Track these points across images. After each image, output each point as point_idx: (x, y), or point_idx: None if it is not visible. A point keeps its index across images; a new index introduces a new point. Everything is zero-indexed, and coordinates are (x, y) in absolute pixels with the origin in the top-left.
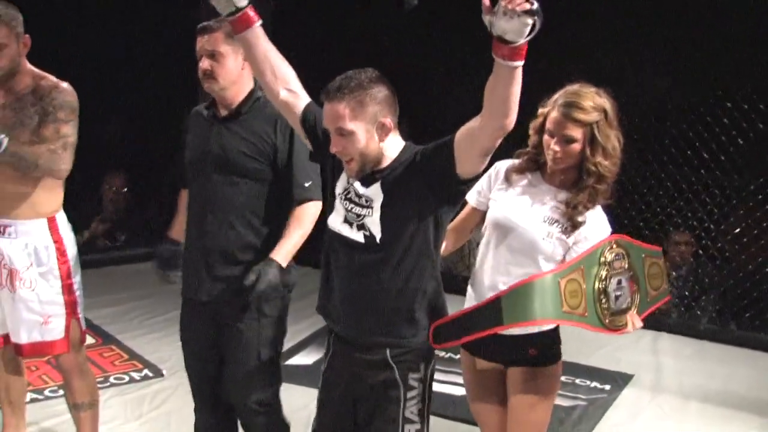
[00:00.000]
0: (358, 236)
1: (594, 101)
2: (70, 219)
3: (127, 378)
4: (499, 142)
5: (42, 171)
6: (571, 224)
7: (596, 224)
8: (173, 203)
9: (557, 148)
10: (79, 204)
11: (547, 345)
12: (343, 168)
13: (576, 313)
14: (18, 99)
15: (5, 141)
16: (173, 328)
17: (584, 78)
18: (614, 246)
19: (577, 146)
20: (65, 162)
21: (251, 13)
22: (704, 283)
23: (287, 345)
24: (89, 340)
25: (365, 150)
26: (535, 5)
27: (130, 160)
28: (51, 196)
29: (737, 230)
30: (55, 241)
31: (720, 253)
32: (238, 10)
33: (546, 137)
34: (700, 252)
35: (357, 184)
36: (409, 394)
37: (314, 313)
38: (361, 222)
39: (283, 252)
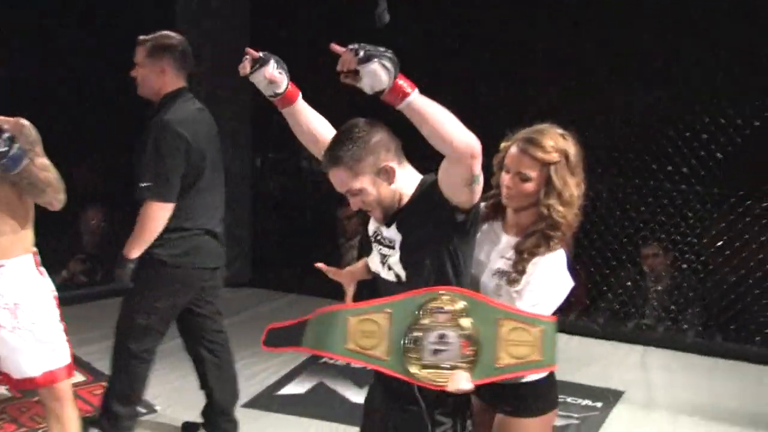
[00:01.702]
0: (390, 276)
1: (556, 141)
2: (48, 257)
3: None
4: (477, 167)
5: (47, 197)
6: (516, 272)
7: (543, 270)
8: None
9: (511, 184)
10: (54, 242)
11: (525, 399)
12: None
13: (368, 353)
14: None
15: (25, 159)
16: (162, 363)
17: (564, 89)
18: (443, 297)
19: (530, 185)
20: (63, 192)
21: (291, 89)
22: (688, 296)
23: (277, 376)
24: (79, 377)
25: (380, 198)
26: (361, 54)
27: (105, 195)
28: (30, 231)
29: (720, 243)
30: (40, 273)
31: (703, 266)
32: (278, 95)
33: (503, 173)
34: (684, 266)
35: (382, 227)
36: (438, 430)
37: None
38: (387, 262)
39: (128, 246)
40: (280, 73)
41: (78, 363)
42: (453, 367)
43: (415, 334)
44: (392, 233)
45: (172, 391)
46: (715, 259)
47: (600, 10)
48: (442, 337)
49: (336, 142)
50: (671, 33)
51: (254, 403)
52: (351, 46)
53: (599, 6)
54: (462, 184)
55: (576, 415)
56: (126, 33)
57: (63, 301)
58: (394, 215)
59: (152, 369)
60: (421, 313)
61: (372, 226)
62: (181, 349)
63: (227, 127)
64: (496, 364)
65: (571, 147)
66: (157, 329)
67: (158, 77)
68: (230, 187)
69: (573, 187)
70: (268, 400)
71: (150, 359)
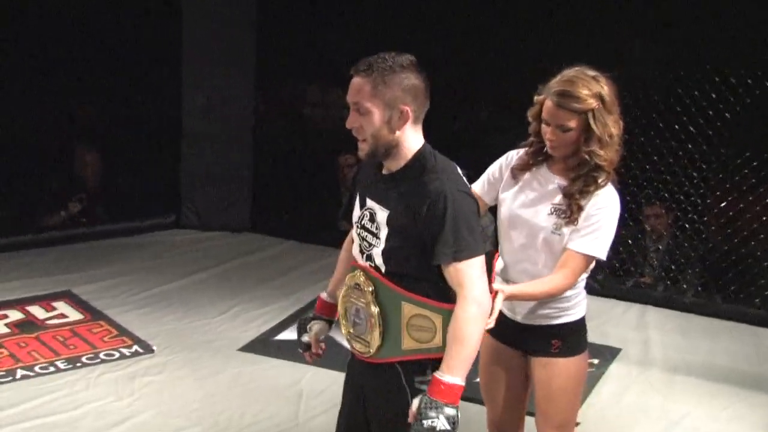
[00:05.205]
0: (366, 265)
1: (589, 88)
2: (47, 196)
3: (117, 354)
4: None
5: None
6: (574, 212)
7: (600, 202)
8: (151, 176)
9: (553, 137)
10: (52, 181)
11: (572, 335)
12: (360, 195)
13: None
14: None
15: None
16: (160, 304)
17: (572, 52)
18: (357, 274)
19: (573, 134)
20: None
21: (326, 309)
22: (689, 256)
23: (274, 321)
24: (78, 315)
25: (378, 133)
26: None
27: (103, 135)
28: None
29: (723, 204)
30: None
31: (706, 226)
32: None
33: (543, 126)
34: (686, 226)
35: (375, 206)
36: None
37: (299, 289)
38: (369, 252)
39: None
40: (317, 340)
41: (76, 301)
42: (366, 341)
43: (346, 306)
44: (382, 220)
45: (169, 332)
46: (718, 220)
47: None
48: (357, 311)
49: (382, 57)
50: None
51: (251, 348)
52: None
53: None
54: None
55: None
56: None
57: (62, 241)
58: (385, 183)
59: (148, 309)
60: (347, 288)
61: (357, 212)
62: (175, 291)
63: (227, 71)
64: (402, 346)
65: (604, 88)
66: None
67: None
68: (231, 130)
69: (612, 126)
70: (265, 345)
71: None
